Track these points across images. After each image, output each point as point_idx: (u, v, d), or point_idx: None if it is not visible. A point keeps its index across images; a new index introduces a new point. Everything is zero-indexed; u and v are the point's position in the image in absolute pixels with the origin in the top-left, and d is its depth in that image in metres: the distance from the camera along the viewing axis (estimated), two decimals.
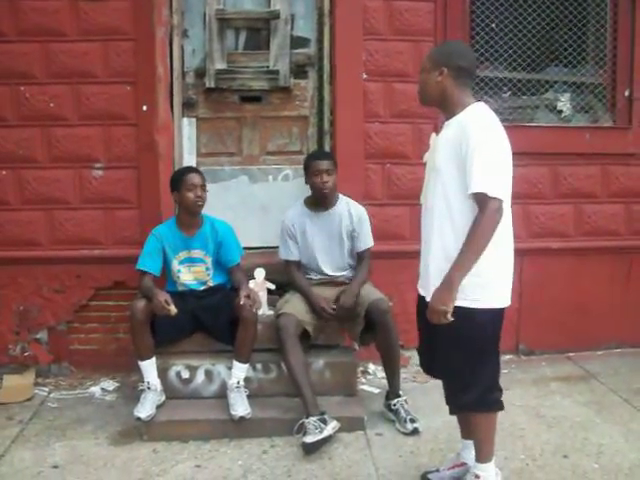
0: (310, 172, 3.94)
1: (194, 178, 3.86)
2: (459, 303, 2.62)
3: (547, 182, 4.75)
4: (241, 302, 3.71)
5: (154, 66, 4.27)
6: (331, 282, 4.03)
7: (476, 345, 2.72)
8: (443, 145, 2.75)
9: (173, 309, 3.62)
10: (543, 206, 4.76)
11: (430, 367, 3.03)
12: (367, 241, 4.04)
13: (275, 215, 4.46)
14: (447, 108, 2.81)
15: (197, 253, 3.94)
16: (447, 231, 2.72)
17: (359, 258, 4.06)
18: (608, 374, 4.50)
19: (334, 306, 3.88)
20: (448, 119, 2.80)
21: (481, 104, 2.78)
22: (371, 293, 3.90)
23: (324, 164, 3.92)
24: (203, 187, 3.89)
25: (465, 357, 2.73)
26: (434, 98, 2.84)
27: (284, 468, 3.35)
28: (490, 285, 2.70)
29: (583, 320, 4.82)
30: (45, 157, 4.39)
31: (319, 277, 4.05)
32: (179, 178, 3.87)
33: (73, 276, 4.46)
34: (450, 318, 2.60)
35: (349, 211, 4.02)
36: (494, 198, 2.56)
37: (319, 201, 4.01)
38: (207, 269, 3.97)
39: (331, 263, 4.05)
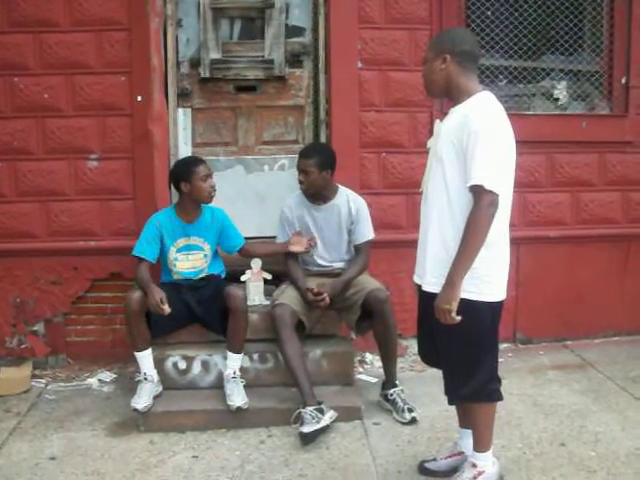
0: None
1: (206, 169, 3.86)
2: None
3: (544, 170, 4.73)
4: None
5: (148, 56, 4.25)
6: (327, 273, 4.01)
7: (475, 337, 2.72)
8: (446, 133, 2.73)
9: (167, 309, 3.62)
10: (540, 194, 4.74)
11: (428, 356, 3.04)
12: (365, 233, 4.01)
13: (271, 205, 4.46)
14: (453, 96, 2.79)
15: (196, 240, 3.93)
16: (446, 219, 2.72)
17: (357, 250, 4.03)
18: (605, 362, 4.50)
19: (319, 290, 3.82)
20: (454, 106, 2.78)
21: (487, 93, 2.75)
22: (369, 283, 3.89)
23: (302, 163, 3.90)
24: (212, 176, 3.90)
25: (464, 348, 2.74)
26: (440, 87, 2.81)
27: (281, 458, 3.35)
28: (488, 278, 2.70)
29: (580, 308, 4.82)
30: (40, 148, 4.37)
31: (316, 269, 4.04)
32: (189, 169, 3.84)
33: (69, 268, 4.45)
34: (456, 317, 2.61)
35: (348, 204, 3.99)
36: (490, 192, 2.55)
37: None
38: (205, 256, 3.96)
39: (328, 255, 4.04)
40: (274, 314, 3.76)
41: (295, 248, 3.95)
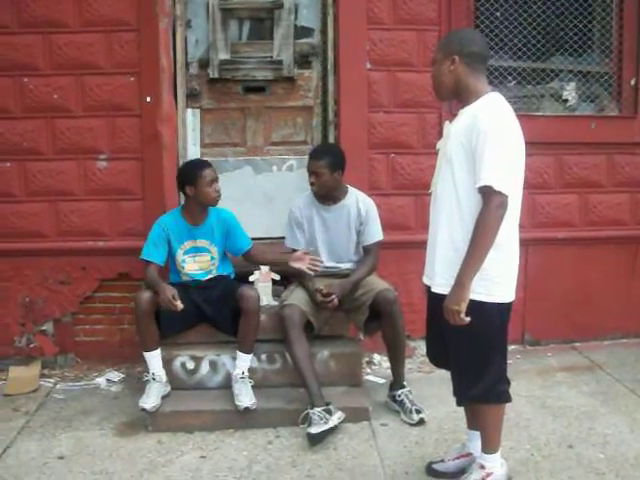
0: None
1: (212, 173, 3.83)
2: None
3: (552, 171, 4.72)
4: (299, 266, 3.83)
5: (157, 57, 4.26)
6: (336, 274, 4.00)
7: (484, 338, 2.72)
8: (455, 134, 2.73)
9: (180, 305, 3.61)
10: (548, 196, 4.73)
11: (437, 357, 3.04)
12: (374, 234, 4.00)
13: (280, 206, 4.45)
14: (462, 97, 2.78)
15: (202, 242, 3.93)
16: (455, 220, 2.72)
17: (365, 251, 4.03)
18: (613, 364, 4.48)
19: (327, 291, 3.81)
20: (463, 107, 2.78)
21: (496, 94, 2.75)
22: (377, 283, 3.89)
23: (313, 165, 3.89)
24: (217, 180, 3.88)
25: (473, 350, 2.74)
26: (449, 89, 2.80)
27: (289, 459, 3.35)
28: (497, 279, 2.69)
29: (588, 310, 4.81)
30: (50, 149, 4.39)
31: (322, 269, 4.02)
32: (195, 173, 3.81)
33: (78, 268, 4.47)
34: (465, 318, 2.60)
35: (358, 205, 3.98)
36: (499, 193, 2.55)
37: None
38: (212, 259, 3.96)
39: (335, 256, 4.03)
40: (283, 314, 3.76)
41: (297, 264, 3.91)
